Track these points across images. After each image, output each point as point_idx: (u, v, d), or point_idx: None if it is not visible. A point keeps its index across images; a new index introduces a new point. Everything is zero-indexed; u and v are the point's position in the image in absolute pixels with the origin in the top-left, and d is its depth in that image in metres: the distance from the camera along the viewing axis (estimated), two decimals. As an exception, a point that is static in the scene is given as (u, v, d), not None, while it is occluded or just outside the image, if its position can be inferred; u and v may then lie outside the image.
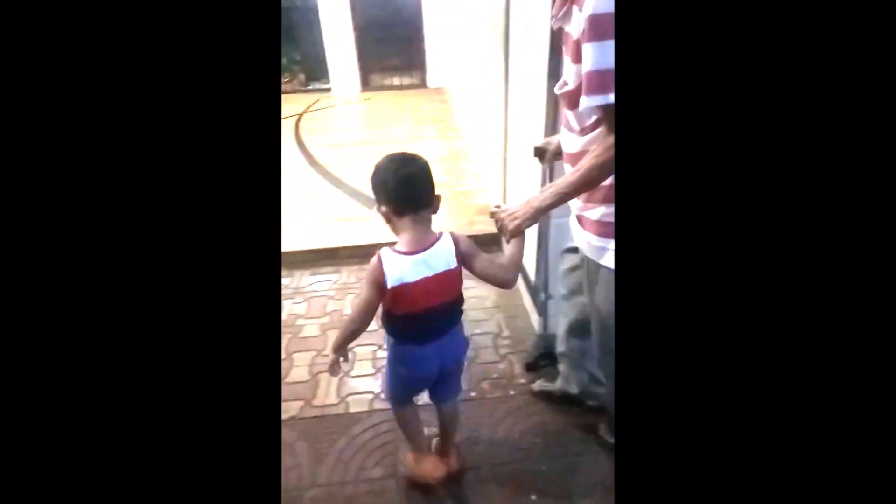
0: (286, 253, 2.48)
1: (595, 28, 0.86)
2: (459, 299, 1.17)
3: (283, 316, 2.13)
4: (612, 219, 1.04)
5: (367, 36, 6.05)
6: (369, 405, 1.67)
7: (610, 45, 0.84)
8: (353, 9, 5.84)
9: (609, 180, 0.98)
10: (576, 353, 1.50)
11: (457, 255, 1.10)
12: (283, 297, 2.26)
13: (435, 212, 1.11)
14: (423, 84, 6.24)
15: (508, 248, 1.12)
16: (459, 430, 1.48)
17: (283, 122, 5.13)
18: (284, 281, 2.39)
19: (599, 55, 0.87)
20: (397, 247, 1.09)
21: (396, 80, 6.25)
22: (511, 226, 1.06)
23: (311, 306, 2.21)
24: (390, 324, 1.16)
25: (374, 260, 1.07)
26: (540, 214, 1.05)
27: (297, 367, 1.85)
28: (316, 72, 6.83)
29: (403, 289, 1.06)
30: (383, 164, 1.07)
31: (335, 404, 1.68)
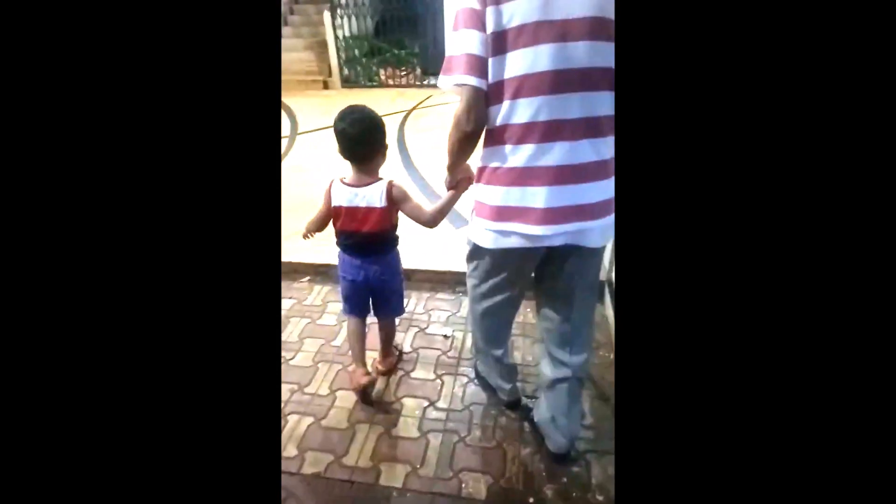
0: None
1: (454, 20, 1.02)
2: (384, 234, 1.45)
3: (338, 342, 1.94)
4: (476, 197, 1.19)
5: (487, 31, 5.79)
6: (403, 480, 1.40)
7: (458, 34, 1.00)
8: (477, 2, 5.59)
9: (476, 163, 1.18)
10: None
11: (387, 198, 1.37)
12: (340, 324, 2.08)
13: (382, 161, 1.41)
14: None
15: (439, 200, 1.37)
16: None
17: (391, 116, 5.07)
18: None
19: (450, 43, 1.03)
20: (344, 179, 1.41)
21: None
22: (446, 184, 1.31)
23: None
24: (336, 237, 1.50)
25: (328, 184, 1.44)
26: (450, 174, 1.27)
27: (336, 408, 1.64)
28: (434, 66, 6.72)
29: (339, 210, 1.41)
30: (337, 116, 1.32)
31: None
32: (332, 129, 1.34)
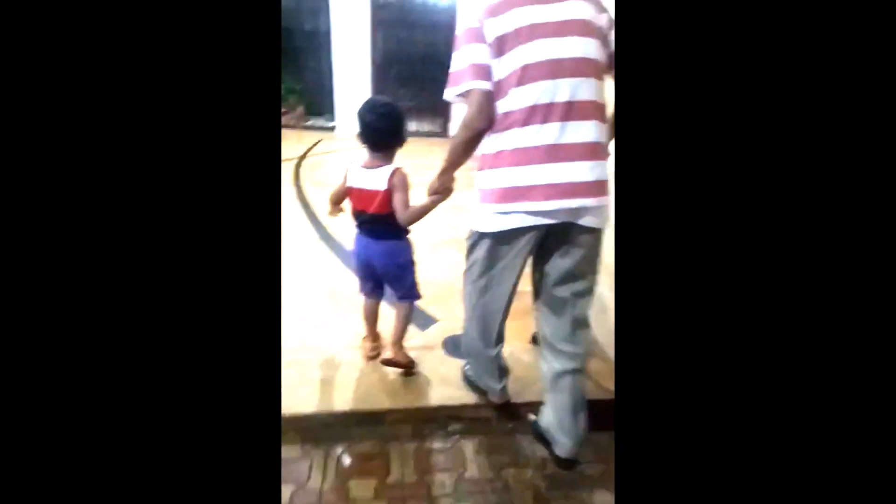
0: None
1: (455, 42, 1.19)
2: (388, 217, 1.46)
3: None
4: (481, 185, 1.26)
5: (385, 71, 5.26)
6: None
7: (460, 51, 1.17)
8: (374, 38, 5.06)
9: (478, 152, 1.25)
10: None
11: (388, 182, 1.43)
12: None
13: (399, 147, 1.47)
14: (444, 132, 5.46)
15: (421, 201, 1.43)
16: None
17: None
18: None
19: (454, 61, 1.19)
20: (358, 160, 1.48)
21: (413, 126, 5.45)
22: (429, 188, 1.40)
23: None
24: (352, 217, 1.56)
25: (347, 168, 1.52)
26: (439, 178, 1.36)
27: None
28: (318, 105, 5.97)
29: (350, 189, 1.51)
30: (363, 104, 1.44)
31: None
32: (358, 118, 1.43)
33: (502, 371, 1.53)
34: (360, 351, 1.77)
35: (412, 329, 1.93)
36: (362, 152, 1.47)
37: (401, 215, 1.44)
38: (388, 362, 1.66)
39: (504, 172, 1.18)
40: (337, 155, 4.68)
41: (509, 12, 1.11)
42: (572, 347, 1.32)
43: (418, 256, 1.64)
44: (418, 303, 2.09)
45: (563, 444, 1.35)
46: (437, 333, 1.95)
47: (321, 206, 3.20)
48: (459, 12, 4.91)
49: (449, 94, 1.20)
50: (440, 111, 5.43)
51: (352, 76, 5.17)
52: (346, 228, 2.67)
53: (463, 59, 1.15)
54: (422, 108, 5.38)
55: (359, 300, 1.80)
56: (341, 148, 4.84)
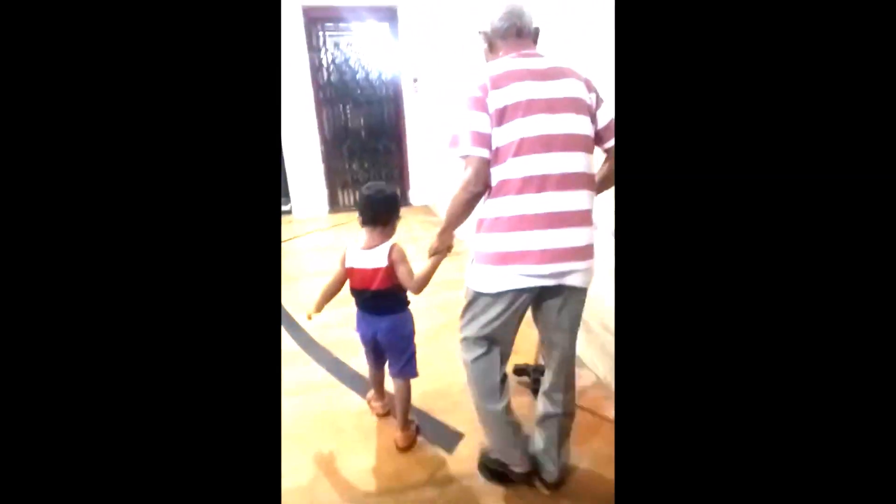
0: None
1: (459, 106, 1.24)
2: (389, 293, 1.59)
3: None
4: (478, 247, 1.32)
5: (336, 145, 5.16)
6: None
7: (464, 115, 1.22)
8: (319, 115, 4.98)
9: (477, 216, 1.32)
10: None
11: (388, 258, 1.54)
12: None
13: (392, 229, 1.60)
14: (405, 201, 5.35)
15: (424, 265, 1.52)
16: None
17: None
18: None
19: (456, 123, 1.24)
20: (357, 243, 1.60)
21: (371, 196, 5.33)
22: (430, 250, 1.52)
23: None
24: (352, 296, 1.66)
25: (343, 251, 1.63)
26: (439, 238, 1.47)
27: None
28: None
29: (351, 270, 1.61)
30: (363, 188, 1.60)
31: None
32: (358, 200, 1.62)
33: (516, 428, 1.50)
34: (370, 410, 1.91)
35: (440, 453, 1.70)
36: (360, 234, 1.60)
37: (409, 285, 1.54)
38: (402, 450, 1.69)
39: (501, 237, 1.26)
40: (298, 241, 4.44)
41: (510, 86, 1.19)
42: (561, 395, 1.46)
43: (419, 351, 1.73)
44: (438, 415, 1.86)
45: (550, 472, 1.50)
46: (466, 453, 1.71)
47: (296, 306, 2.92)
48: (405, 86, 4.95)
49: (450, 154, 1.26)
50: (396, 180, 5.35)
51: (303, 154, 5.03)
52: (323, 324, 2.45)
53: (465, 124, 1.22)
54: (378, 178, 5.29)
55: (352, 418, 1.78)
56: (300, 233, 4.63)
